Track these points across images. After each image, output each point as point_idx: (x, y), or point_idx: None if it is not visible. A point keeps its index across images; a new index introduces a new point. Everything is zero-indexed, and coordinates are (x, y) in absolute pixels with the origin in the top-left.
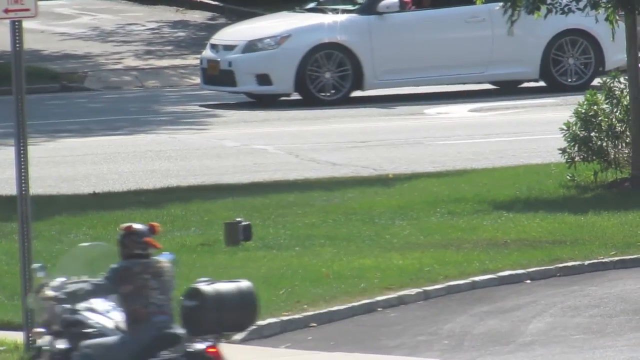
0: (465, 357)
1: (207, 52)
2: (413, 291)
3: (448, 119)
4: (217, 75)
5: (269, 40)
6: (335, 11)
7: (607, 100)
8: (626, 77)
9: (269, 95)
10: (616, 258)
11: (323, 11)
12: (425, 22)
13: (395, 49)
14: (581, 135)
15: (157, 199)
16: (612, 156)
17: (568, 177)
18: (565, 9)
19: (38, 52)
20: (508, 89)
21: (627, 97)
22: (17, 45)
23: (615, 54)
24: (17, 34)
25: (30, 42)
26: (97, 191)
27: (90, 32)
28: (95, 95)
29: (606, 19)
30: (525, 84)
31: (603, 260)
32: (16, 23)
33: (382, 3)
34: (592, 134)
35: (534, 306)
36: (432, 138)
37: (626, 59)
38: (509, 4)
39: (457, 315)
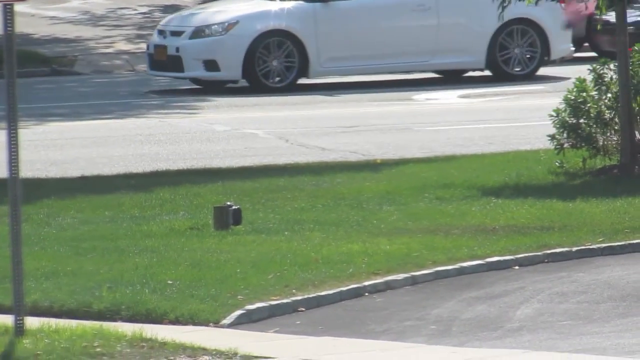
0: (453, 342)
1: (155, 38)
2: (401, 276)
3: (437, 105)
4: (164, 61)
5: (216, 26)
6: None
7: (596, 87)
8: (615, 64)
9: (215, 82)
10: (604, 245)
11: None
12: (370, 10)
13: (340, 36)
14: (570, 122)
15: (146, 182)
16: (601, 143)
17: (557, 163)
18: None
19: (28, 36)
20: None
21: (617, 84)
22: (9, 28)
23: (561, 43)
24: (8, 17)
25: (20, 26)
26: (86, 175)
27: (80, 16)
28: (85, 79)
29: (596, 7)
30: (471, 73)
31: (591, 247)
32: (8, 6)
33: None
34: (581, 120)
35: (522, 292)
36: (420, 124)
37: (569, 47)
38: None
39: (445, 300)
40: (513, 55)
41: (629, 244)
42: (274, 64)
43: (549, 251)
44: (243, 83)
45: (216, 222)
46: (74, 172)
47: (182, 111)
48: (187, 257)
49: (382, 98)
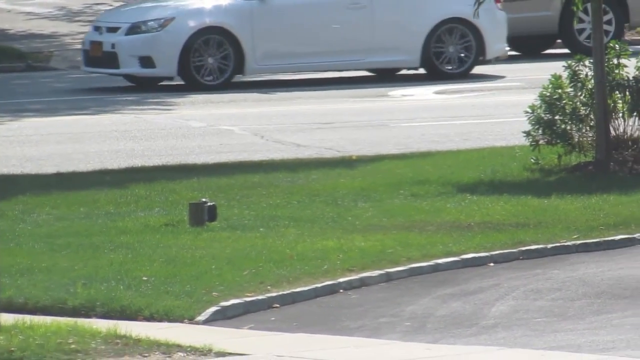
0: (427, 339)
1: (90, 34)
2: (375, 273)
3: (413, 101)
4: (99, 57)
5: (152, 22)
6: None
7: (572, 84)
8: (591, 61)
9: (150, 79)
10: (579, 242)
11: None
12: (306, 8)
13: (276, 34)
14: (545, 118)
15: (121, 178)
16: (576, 140)
17: (532, 160)
18: None
19: (3, 31)
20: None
21: (592, 81)
22: None
23: (496, 43)
24: None
25: None
26: (61, 171)
27: (56, 11)
28: (61, 74)
29: (572, 4)
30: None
31: (566, 244)
32: None
33: None
34: (557, 117)
35: (497, 289)
36: (396, 120)
37: (504, 47)
38: None
39: (420, 297)
40: (448, 54)
41: (604, 240)
42: (209, 61)
43: (524, 248)
44: (179, 80)
45: (191, 219)
46: (49, 168)
47: (157, 107)
48: (162, 254)
49: (357, 94)
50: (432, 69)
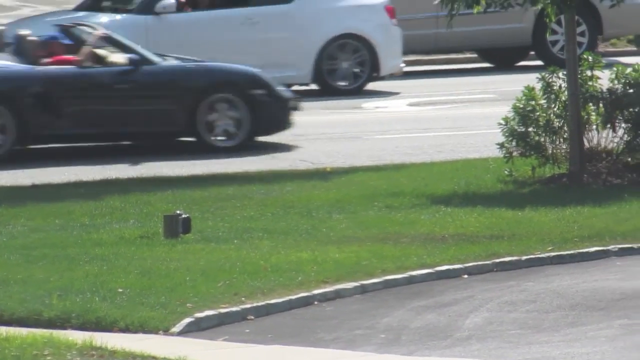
0: (402, 351)
1: None
2: (350, 285)
3: (386, 113)
4: None
5: None
6: (114, 10)
7: (545, 96)
8: (564, 73)
9: None
10: (553, 253)
11: (101, 9)
12: (200, 24)
13: (171, 50)
14: (519, 130)
15: (96, 190)
16: (550, 151)
17: (506, 172)
18: (505, 4)
19: None
20: None
21: (565, 93)
22: None
23: (391, 59)
24: None
25: None
26: (36, 183)
27: None
28: None
29: (545, 16)
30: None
31: (540, 256)
32: None
33: (160, 3)
34: (530, 129)
35: (471, 301)
36: (370, 132)
37: (399, 63)
38: None
39: (395, 309)
40: (342, 71)
41: (578, 252)
42: None
43: (498, 260)
44: None
45: (166, 231)
46: (24, 180)
47: None
48: (137, 265)
49: (331, 106)
50: (324, 85)
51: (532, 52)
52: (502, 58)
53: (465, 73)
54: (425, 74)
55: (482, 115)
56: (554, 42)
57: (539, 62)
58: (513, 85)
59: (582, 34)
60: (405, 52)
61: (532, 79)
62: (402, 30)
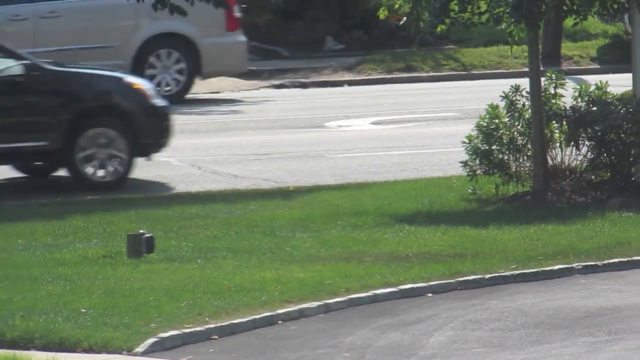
0: None
1: None
2: (314, 304)
3: (349, 132)
4: None
5: None
6: None
7: (509, 114)
8: (528, 91)
9: None
10: (517, 272)
11: None
12: None
13: None
14: (483, 148)
15: (59, 210)
16: (514, 169)
17: (469, 190)
18: (468, 22)
19: None
20: None
21: (529, 111)
22: None
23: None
24: None
25: None
26: None
27: None
28: None
29: (508, 34)
30: None
31: (504, 274)
32: None
33: None
34: (494, 147)
35: (435, 319)
36: (333, 151)
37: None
38: (414, 17)
39: (359, 328)
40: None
41: (542, 270)
42: None
43: (462, 278)
44: None
45: (129, 250)
46: None
47: None
48: (101, 285)
49: (294, 125)
50: None
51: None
52: None
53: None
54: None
55: (445, 134)
56: (152, 77)
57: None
58: (476, 103)
59: (180, 72)
60: None
61: (495, 98)
62: None
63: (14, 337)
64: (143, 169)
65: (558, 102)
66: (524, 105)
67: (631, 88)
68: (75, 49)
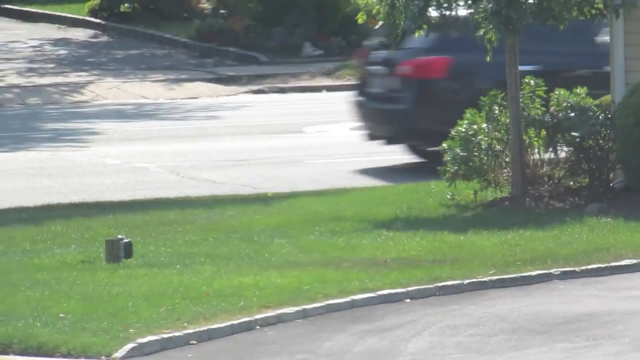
0: None
1: None
2: (292, 309)
3: (328, 138)
4: None
5: None
6: None
7: (487, 120)
8: (506, 98)
9: None
10: (495, 277)
11: None
12: None
13: None
14: (461, 154)
15: (37, 216)
16: (492, 175)
17: (448, 195)
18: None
19: None
20: None
21: (507, 117)
22: None
23: None
24: None
25: None
26: None
27: None
28: None
29: (486, 40)
30: None
31: (482, 280)
32: None
33: None
34: (472, 153)
35: (414, 325)
36: (311, 156)
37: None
38: (391, 21)
39: (337, 333)
40: None
41: (521, 276)
42: None
43: (440, 284)
44: None
45: (108, 256)
46: None
47: (73, 144)
48: (79, 291)
49: (272, 130)
50: None
51: None
52: None
53: None
54: None
55: None
56: None
57: None
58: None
59: None
60: None
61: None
62: None
63: None
64: (121, 175)
65: (536, 108)
66: (502, 111)
67: (609, 94)
68: None
